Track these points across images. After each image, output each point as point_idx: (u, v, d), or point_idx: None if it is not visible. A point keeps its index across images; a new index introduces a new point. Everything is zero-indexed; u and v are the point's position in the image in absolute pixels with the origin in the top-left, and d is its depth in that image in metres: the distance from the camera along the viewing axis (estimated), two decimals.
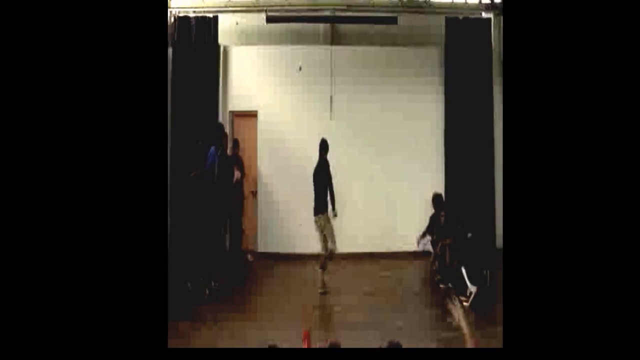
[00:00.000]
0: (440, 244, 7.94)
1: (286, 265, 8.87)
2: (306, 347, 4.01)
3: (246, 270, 8.82)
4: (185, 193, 7.84)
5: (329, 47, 9.54)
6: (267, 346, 3.71)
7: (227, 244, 8.79)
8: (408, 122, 9.51)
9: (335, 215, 7.67)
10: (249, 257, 9.20)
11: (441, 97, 9.47)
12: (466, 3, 9.55)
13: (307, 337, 4.05)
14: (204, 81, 9.17)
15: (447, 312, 3.69)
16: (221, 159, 7.84)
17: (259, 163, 9.57)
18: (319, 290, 7.53)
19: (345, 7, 9.47)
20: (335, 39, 9.70)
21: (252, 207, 9.51)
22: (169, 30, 8.95)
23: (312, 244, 7.81)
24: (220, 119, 9.18)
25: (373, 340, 5.12)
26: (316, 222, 7.60)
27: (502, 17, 8.91)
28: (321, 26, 9.68)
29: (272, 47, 9.56)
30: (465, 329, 3.43)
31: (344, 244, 8.30)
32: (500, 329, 4.03)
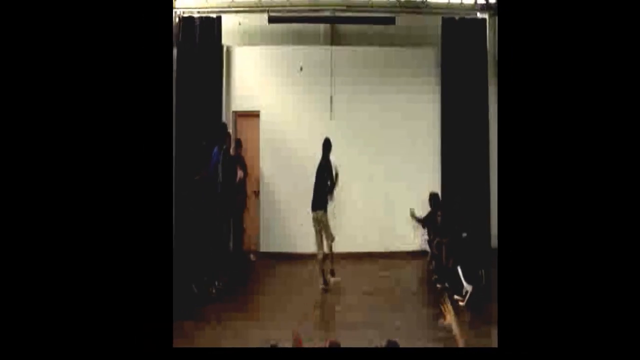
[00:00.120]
0: (436, 242, 8.04)
1: (288, 265, 8.92)
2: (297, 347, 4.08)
3: (249, 270, 8.87)
4: (189, 194, 7.92)
5: (329, 47, 9.59)
6: (269, 345, 3.84)
7: (231, 243, 8.80)
8: (406, 122, 9.57)
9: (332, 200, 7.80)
10: (252, 256, 9.24)
11: (438, 97, 9.52)
12: (462, 3, 9.55)
13: (297, 338, 4.11)
14: (208, 81, 9.18)
15: (440, 312, 3.78)
16: (224, 158, 7.89)
17: (261, 163, 9.62)
18: (321, 286, 7.63)
19: (344, 8, 9.50)
20: (335, 40, 9.75)
21: (254, 207, 9.56)
22: (174, 31, 8.92)
23: (313, 244, 7.90)
24: (224, 119, 9.22)
25: (372, 340, 5.22)
26: (313, 218, 7.70)
27: (497, 18, 8.93)
28: (321, 26, 9.73)
29: (274, 47, 9.61)
30: (456, 330, 3.49)
31: (344, 244, 8.40)
32: (495, 328, 4.12)
